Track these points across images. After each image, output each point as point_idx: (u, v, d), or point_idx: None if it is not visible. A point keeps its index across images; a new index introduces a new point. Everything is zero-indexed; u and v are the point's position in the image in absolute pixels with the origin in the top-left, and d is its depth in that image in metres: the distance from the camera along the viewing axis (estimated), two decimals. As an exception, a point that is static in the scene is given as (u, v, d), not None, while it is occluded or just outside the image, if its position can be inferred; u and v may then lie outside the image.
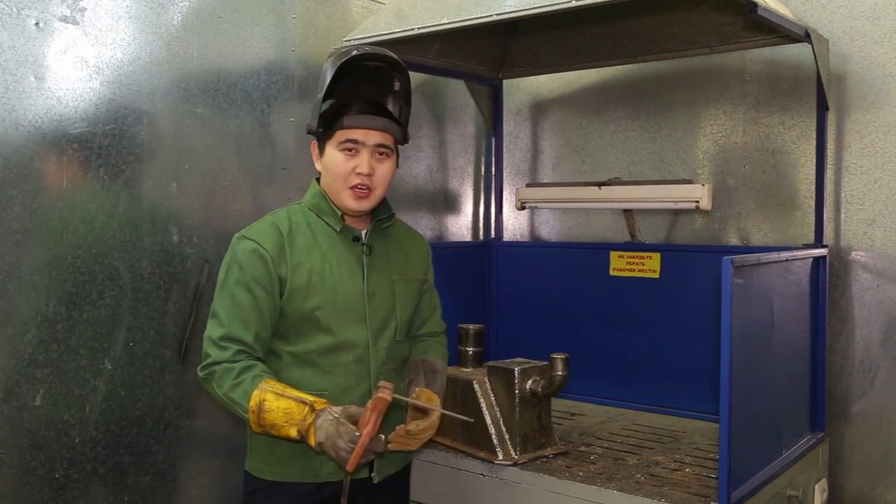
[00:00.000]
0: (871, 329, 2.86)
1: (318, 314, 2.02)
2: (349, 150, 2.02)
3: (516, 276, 3.51)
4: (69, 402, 2.36)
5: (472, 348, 2.69)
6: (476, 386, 2.49)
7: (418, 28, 2.59)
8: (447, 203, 3.76)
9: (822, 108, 2.80)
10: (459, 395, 2.54)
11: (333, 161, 2.04)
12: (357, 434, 1.83)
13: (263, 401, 1.88)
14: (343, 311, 2.05)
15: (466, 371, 2.63)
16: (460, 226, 3.83)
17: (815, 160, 2.86)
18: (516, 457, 2.40)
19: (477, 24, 2.46)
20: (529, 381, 2.43)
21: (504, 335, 3.51)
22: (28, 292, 2.26)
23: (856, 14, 2.87)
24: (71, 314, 2.36)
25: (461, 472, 2.46)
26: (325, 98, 2.01)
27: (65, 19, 2.34)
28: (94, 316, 2.41)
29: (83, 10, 2.38)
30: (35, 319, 2.28)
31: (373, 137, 2.02)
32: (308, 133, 2.08)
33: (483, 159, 3.86)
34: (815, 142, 2.86)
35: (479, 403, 2.47)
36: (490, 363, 2.54)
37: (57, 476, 2.34)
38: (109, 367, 2.45)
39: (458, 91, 3.70)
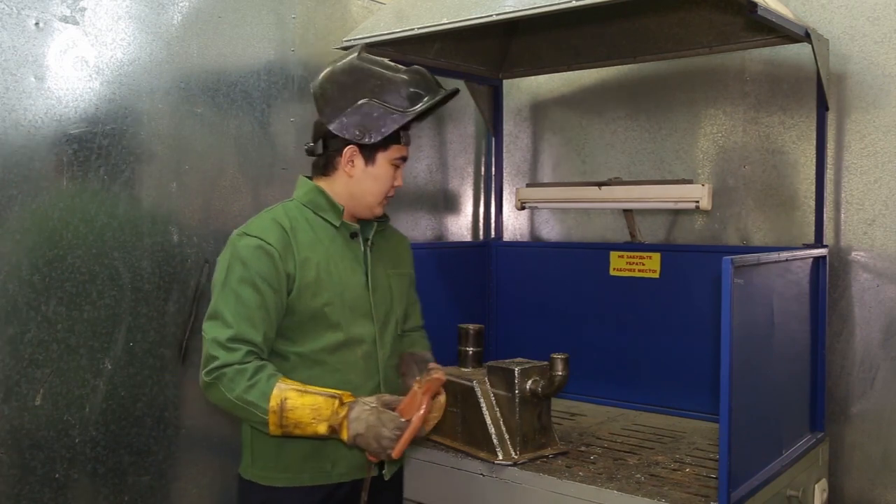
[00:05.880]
0: (871, 329, 2.86)
1: (328, 310, 1.99)
2: (397, 166, 2.07)
3: (516, 276, 3.51)
4: (69, 402, 2.36)
5: (472, 348, 2.69)
6: (476, 386, 2.49)
7: (418, 28, 2.59)
8: (447, 203, 3.76)
9: (822, 108, 2.80)
10: (459, 395, 2.54)
11: (384, 174, 2.05)
12: (403, 420, 1.81)
13: (286, 399, 1.82)
14: (351, 305, 2.03)
15: (466, 371, 2.63)
16: (460, 226, 3.83)
17: (815, 160, 2.86)
18: (516, 457, 2.40)
19: (477, 24, 2.46)
20: (529, 381, 2.43)
21: (504, 335, 3.51)
22: (28, 292, 2.26)
23: (856, 14, 2.87)
24: (71, 314, 2.36)
25: (461, 472, 2.46)
26: (401, 117, 2.00)
27: (65, 19, 2.34)
28: (94, 316, 2.41)
29: (83, 10, 2.38)
30: (35, 319, 2.28)
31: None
32: (362, 139, 1.99)
33: (483, 159, 3.86)
34: (815, 142, 2.86)
35: (479, 403, 2.47)
36: (490, 363, 2.54)
37: (57, 476, 2.34)
38: (109, 367, 2.45)
39: (458, 91, 3.70)
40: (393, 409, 1.85)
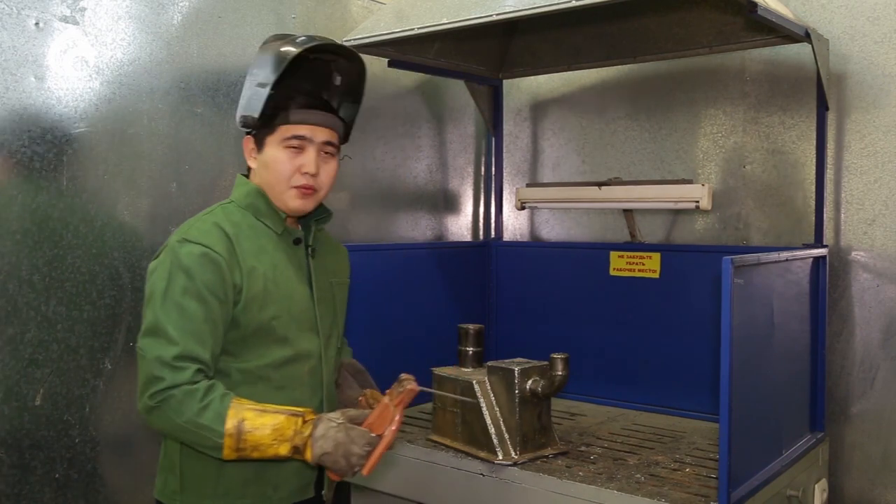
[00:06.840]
0: (871, 329, 2.86)
1: (276, 324, 1.84)
2: (294, 147, 1.85)
3: (516, 276, 3.51)
4: (69, 402, 2.36)
5: (472, 348, 2.69)
6: (476, 386, 2.49)
7: (418, 28, 2.59)
8: (447, 203, 3.76)
9: (822, 108, 2.80)
10: (459, 395, 2.54)
11: (276, 159, 1.85)
12: (373, 436, 1.71)
13: (243, 420, 1.67)
14: (298, 319, 1.89)
15: (466, 371, 2.63)
16: (460, 226, 3.83)
17: (815, 160, 2.86)
18: (516, 457, 2.40)
19: (477, 24, 2.46)
20: (529, 381, 2.43)
21: (504, 335, 3.51)
22: (28, 292, 2.26)
23: (856, 14, 2.87)
24: (71, 314, 2.36)
25: (461, 472, 2.46)
26: (266, 87, 1.81)
27: (65, 19, 2.34)
28: (94, 316, 2.41)
29: (83, 10, 2.38)
30: (35, 319, 2.28)
31: (320, 134, 1.87)
32: (244, 126, 1.86)
33: (483, 159, 3.86)
34: (815, 142, 2.85)
35: (479, 403, 2.47)
36: (490, 363, 2.54)
37: (57, 476, 2.34)
38: (109, 367, 2.45)
39: (458, 91, 3.70)
40: (359, 425, 1.74)
